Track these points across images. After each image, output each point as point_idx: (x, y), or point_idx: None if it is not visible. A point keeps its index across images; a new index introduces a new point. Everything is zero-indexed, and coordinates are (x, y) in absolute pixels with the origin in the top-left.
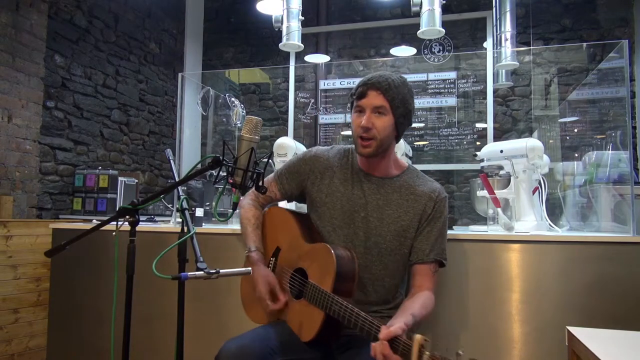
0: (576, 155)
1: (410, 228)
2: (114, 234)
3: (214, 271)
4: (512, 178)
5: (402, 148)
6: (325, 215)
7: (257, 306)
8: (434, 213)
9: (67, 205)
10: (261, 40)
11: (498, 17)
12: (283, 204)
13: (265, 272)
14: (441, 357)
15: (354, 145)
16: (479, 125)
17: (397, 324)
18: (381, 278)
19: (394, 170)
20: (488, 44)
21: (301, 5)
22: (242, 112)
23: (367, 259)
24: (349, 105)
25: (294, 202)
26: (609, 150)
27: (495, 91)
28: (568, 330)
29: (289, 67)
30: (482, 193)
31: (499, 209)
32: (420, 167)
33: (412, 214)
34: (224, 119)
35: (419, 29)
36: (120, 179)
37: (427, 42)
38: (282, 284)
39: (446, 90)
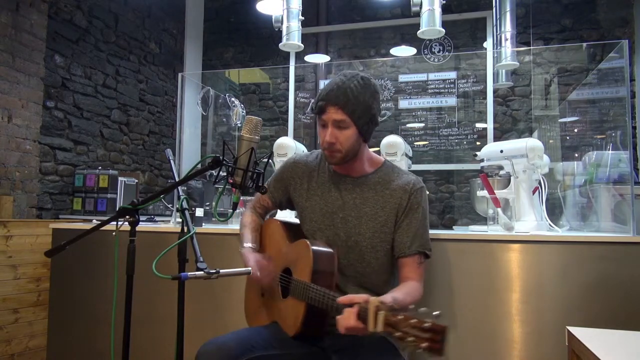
0: (576, 155)
1: (388, 223)
2: (114, 234)
3: (214, 271)
4: (512, 178)
5: (402, 148)
6: (307, 219)
7: (258, 316)
8: (410, 205)
9: (67, 205)
10: (261, 40)
11: (498, 17)
12: (284, 213)
13: (258, 256)
14: (394, 315)
15: None
16: (479, 125)
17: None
18: (367, 275)
19: (369, 168)
20: (488, 44)
21: (301, 5)
22: (242, 112)
23: (350, 258)
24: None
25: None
26: (609, 150)
27: (495, 91)
28: (568, 330)
29: (289, 67)
30: (482, 193)
31: (499, 209)
32: (420, 167)
33: (389, 209)
34: (224, 119)
35: (419, 29)
36: (120, 179)
37: (427, 42)
38: (274, 287)
39: (446, 90)
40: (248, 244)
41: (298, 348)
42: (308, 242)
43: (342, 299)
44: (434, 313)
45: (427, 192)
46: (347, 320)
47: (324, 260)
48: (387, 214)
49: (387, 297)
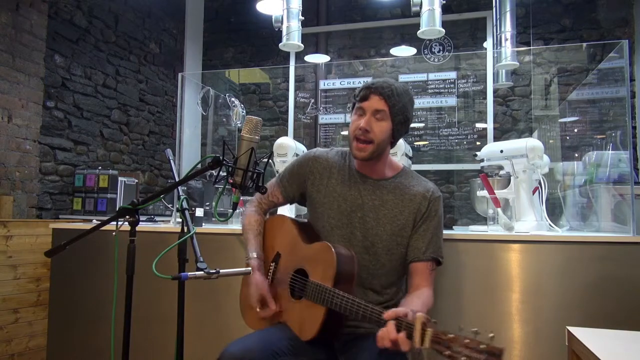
0: (576, 155)
1: (406, 227)
2: (114, 234)
3: (214, 271)
4: (512, 178)
5: (402, 148)
6: (324, 216)
7: (251, 311)
8: (428, 212)
9: (67, 205)
10: (261, 40)
11: (498, 17)
12: (284, 210)
13: (259, 279)
14: (444, 333)
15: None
16: (479, 125)
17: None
18: (379, 277)
19: (389, 172)
20: (488, 44)
21: (301, 5)
22: (242, 112)
23: (364, 258)
24: (349, 106)
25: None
26: (609, 150)
27: (495, 91)
28: (568, 330)
29: (289, 67)
30: (482, 193)
31: (499, 209)
32: (420, 167)
33: (407, 213)
34: (224, 119)
35: (419, 29)
36: (120, 179)
37: (427, 42)
38: (282, 287)
39: (446, 90)
40: (254, 254)
41: (315, 354)
42: (332, 247)
43: (388, 314)
44: (490, 335)
45: None
46: (390, 334)
47: (347, 265)
48: (405, 217)
49: (406, 310)
